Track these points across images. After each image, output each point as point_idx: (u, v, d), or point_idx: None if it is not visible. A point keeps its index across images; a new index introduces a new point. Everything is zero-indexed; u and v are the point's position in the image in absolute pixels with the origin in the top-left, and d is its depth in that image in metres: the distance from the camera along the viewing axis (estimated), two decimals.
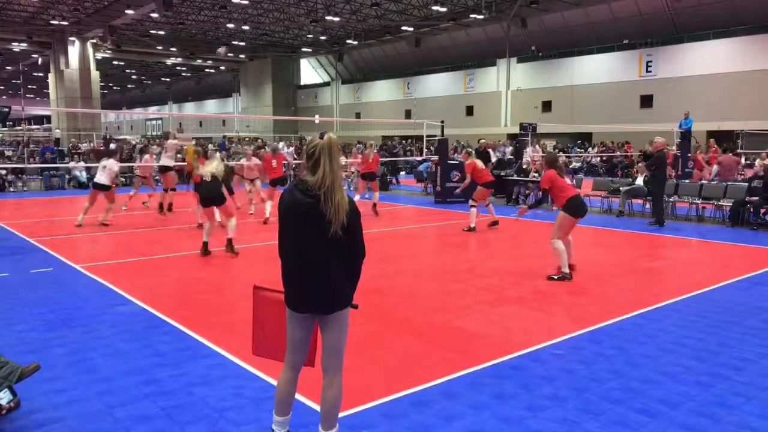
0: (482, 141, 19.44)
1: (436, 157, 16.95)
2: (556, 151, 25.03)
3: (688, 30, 33.00)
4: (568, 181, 7.55)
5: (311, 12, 41.19)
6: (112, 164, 11.37)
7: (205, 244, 8.66)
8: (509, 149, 24.95)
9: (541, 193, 7.67)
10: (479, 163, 11.40)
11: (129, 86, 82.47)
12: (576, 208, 7.25)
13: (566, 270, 7.23)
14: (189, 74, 70.85)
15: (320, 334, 3.13)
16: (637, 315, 5.82)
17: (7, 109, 12.62)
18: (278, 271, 3.11)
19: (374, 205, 13.25)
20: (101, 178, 11.27)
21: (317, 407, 3.21)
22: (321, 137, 2.99)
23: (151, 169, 15.25)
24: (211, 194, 8.62)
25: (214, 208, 8.78)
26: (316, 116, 22.37)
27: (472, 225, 10.98)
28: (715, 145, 20.77)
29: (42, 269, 7.76)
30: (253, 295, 3.32)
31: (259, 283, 3.42)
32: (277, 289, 3.23)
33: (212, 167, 8.67)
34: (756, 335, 5.24)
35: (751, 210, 11.61)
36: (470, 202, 11.25)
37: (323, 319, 3.07)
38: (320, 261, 2.96)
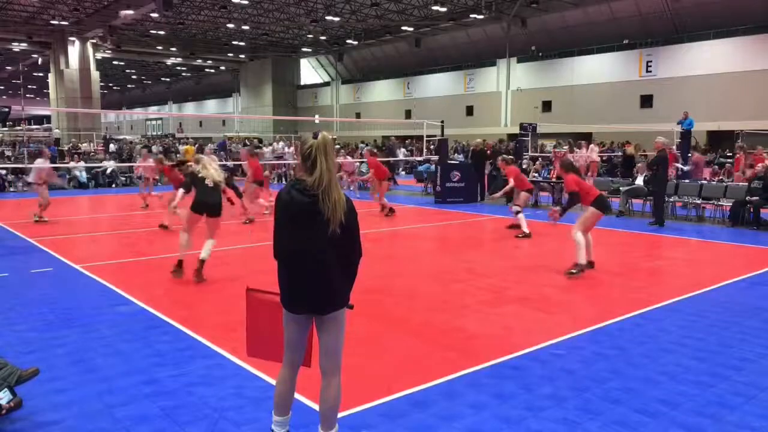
0: (477, 141, 19.44)
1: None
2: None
3: (688, 30, 32.98)
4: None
5: (311, 12, 41.17)
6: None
7: (181, 262, 7.21)
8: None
9: (568, 195, 7.92)
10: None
11: (129, 86, 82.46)
12: (604, 204, 7.82)
13: (583, 262, 7.46)
14: (189, 74, 70.84)
15: (317, 334, 3.12)
16: (637, 315, 5.82)
17: (7, 109, 12.62)
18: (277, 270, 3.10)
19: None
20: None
21: (317, 407, 3.21)
22: (315, 137, 2.99)
23: (154, 170, 15.41)
24: (212, 200, 7.17)
25: (205, 217, 7.21)
26: (316, 116, 22.39)
27: (527, 231, 10.44)
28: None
29: (42, 269, 7.76)
30: (246, 297, 3.30)
31: (259, 284, 3.42)
32: (270, 290, 3.22)
33: (216, 174, 7.31)
34: (756, 335, 5.24)
35: (751, 210, 11.60)
36: (515, 208, 10.92)
37: (320, 320, 3.06)
38: (318, 261, 2.95)
